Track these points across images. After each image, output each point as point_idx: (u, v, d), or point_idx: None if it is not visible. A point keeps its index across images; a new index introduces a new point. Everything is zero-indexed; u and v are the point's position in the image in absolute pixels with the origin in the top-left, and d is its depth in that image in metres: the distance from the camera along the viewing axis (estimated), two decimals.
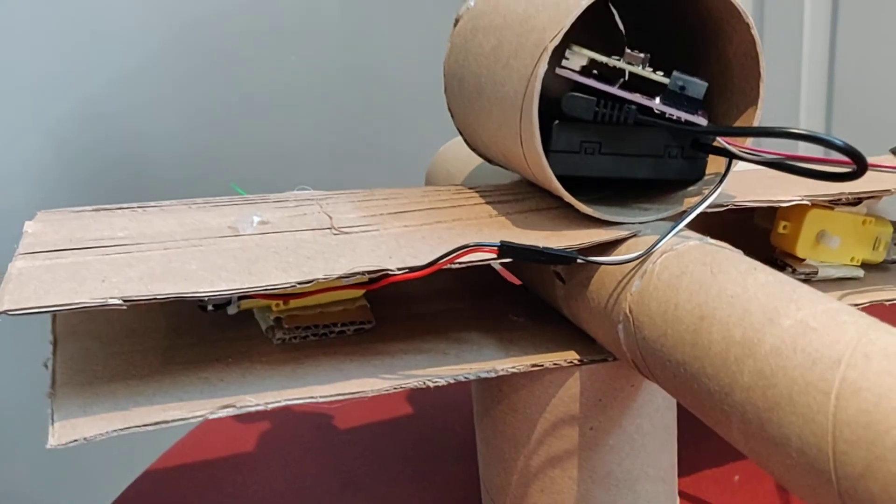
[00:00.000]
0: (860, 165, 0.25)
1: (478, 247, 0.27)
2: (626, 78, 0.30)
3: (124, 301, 0.25)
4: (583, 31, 0.29)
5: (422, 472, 0.43)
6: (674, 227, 0.28)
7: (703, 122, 0.29)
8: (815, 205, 0.35)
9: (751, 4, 0.92)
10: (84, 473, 0.66)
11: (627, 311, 0.28)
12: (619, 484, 0.33)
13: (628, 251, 0.29)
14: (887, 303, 0.35)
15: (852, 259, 0.36)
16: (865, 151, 0.26)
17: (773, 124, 0.28)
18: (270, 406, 0.28)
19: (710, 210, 0.30)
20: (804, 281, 0.32)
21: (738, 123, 0.32)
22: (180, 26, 0.70)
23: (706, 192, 0.30)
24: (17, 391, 0.60)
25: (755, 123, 0.31)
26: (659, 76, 0.29)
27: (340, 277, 0.27)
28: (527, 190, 0.36)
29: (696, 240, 0.28)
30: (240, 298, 0.31)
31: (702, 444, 0.41)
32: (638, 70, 0.29)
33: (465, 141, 0.39)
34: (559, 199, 0.32)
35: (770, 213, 0.37)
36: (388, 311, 0.35)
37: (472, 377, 0.30)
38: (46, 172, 0.62)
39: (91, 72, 0.65)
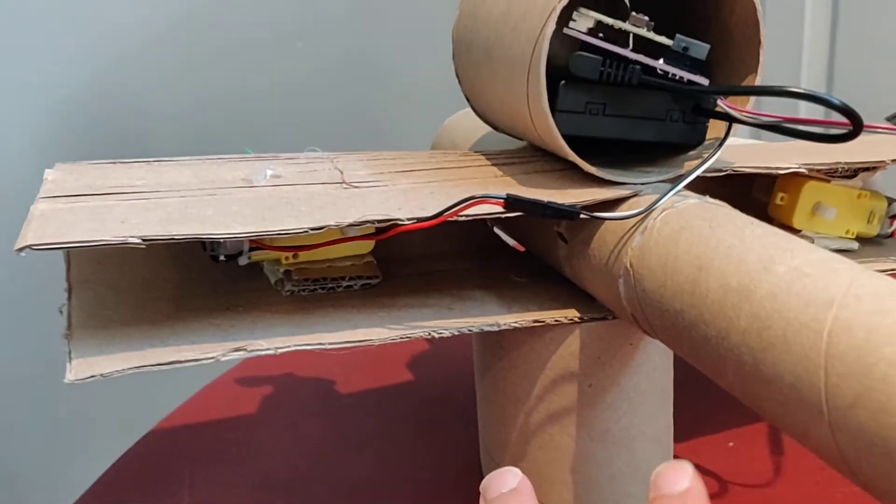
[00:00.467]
0: (856, 125, 0.26)
1: (485, 198, 0.28)
2: (631, 45, 0.31)
3: (143, 240, 0.26)
4: None
5: (423, 433, 0.44)
6: (675, 186, 0.29)
7: (704, 81, 0.30)
8: (811, 177, 0.36)
9: None
10: (87, 435, 0.67)
11: (628, 265, 0.29)
12: (617, 442, 0.34)
13: (630, 209, 0.30)
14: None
15: (847, 232, 0.37)
16: (865, 119, 0.27)
17: None
18: (280, 351, 0.29)
19: (709, 174, 0.31)
20: None
21: None
22: (188, 9, 0.71)
23: (706, 155, 0.31)
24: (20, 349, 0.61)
25: None
26: (663, 39, 0.30)
27: (351, 225, 0.28)
28: (532, 153, 0.37)
29: (695, 198, 0.29)
30: (251, 250, 0.32)
31: (699, 410, 0.42)
32: (642, 32, 0.30)
33: (472, 106, 0.40)
34: (564, 161, 0.33)
35: (768, 186, 0.37)
36: (394, 268, 0.36)
37: (475, 330, 0.31)
38: (51, 150, 0.63)
39: (97, 50, 0.66)
